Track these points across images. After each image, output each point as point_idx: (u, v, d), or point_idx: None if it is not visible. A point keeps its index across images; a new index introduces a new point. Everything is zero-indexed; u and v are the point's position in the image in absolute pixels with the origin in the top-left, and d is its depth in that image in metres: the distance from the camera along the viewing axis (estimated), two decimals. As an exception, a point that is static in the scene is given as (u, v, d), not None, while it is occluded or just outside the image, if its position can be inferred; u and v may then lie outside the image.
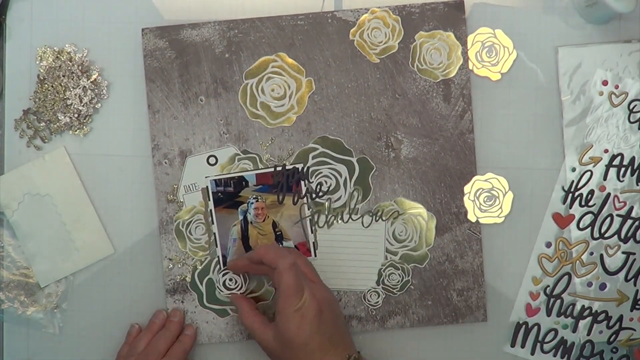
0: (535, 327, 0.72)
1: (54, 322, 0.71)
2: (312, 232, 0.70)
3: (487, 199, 0.71)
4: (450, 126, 0.70)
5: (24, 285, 0.71)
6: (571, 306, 0.71)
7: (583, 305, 0.71)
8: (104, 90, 0.71)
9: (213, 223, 0.70)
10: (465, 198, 0.70)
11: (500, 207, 0.71)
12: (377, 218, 0.70)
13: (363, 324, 0.71)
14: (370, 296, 0.71)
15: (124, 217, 0.71)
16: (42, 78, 0.71)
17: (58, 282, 0.71)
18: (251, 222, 0.70)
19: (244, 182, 0.70)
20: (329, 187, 0.70)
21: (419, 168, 0.70)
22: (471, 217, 0.71)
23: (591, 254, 0.71)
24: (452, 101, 0.70)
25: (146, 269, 0.71)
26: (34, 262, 0.71)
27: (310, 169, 0.70)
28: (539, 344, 0.72)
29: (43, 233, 0.71)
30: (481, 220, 0.71)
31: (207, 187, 0.70)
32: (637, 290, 0.71)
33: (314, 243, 0.70)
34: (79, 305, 0.71)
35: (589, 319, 0.72)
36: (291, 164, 0.70)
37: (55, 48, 0.71)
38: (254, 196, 0.70)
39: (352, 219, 0.70)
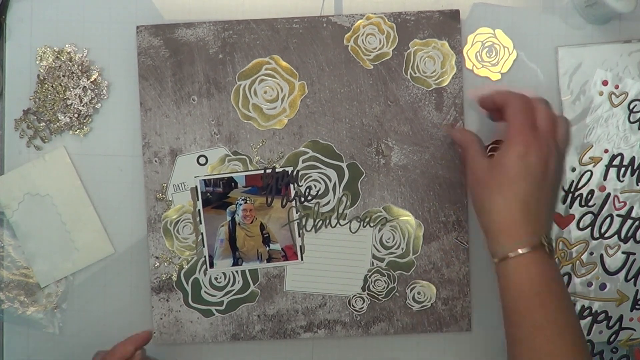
0: (535, 327, 0.72)
1: (54, 322, 0.71)
2: (299, 236, 0.70)
3: (488, 51, 0.71)
4: (441, 135, 0.70)
5: (24, 285, 0.71)
6: (571, 306, 0.71)
7: (583, 305, 0.71)
8: (104, 90, 0.71)
9: (201, 223, 0.70)
10: (466, 47, 0.70)
11: (501, 63, 0.71)
12: (365, 224, 0.70)
13: (347, 329, 0.71)
14: (355, 302, 0.71)
15: (124, 217, 0.72)
16: (42, 78, 0.71)
17: (58, 282, 0.71)
18: (239, 224, 0.70)
19: (233, 183, 0.70)
20: (317, 191, 0.70)
21: (408, 176, 0.70)
22: (468, 65, 0.71)
23: (591, 254, 0.71)
24: (444, 110, 0.70)
25: (146, 269, 0.71)
26: (34, 262, 0.71)
27: (300, 173, 0.70)
28: (538, 344, 0.72)
29: (43, 233, 0.71)
30: (476, 72, 0.71)
31: (196, 186, 0.70)
32: (637, 290, 0.71)
33: (301, 247, 0.70)
34: (79, 305, 0.72)
35: (589, 319, 0.71)
36: (281, 167, 0.70)
37: (55, 48, 0.71)
38: (243, 197, 0.70)
39: (339, 224, 0.70)
